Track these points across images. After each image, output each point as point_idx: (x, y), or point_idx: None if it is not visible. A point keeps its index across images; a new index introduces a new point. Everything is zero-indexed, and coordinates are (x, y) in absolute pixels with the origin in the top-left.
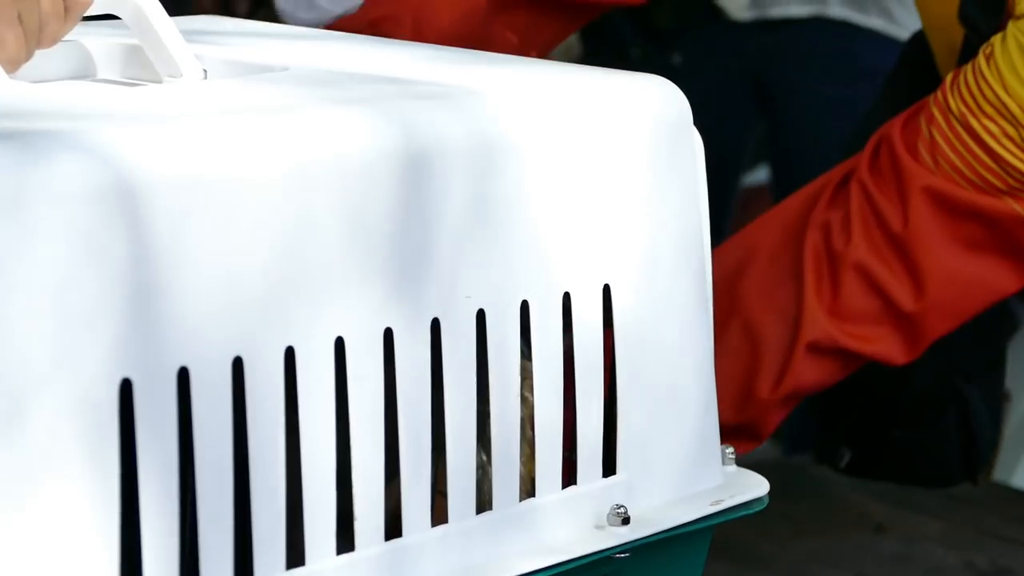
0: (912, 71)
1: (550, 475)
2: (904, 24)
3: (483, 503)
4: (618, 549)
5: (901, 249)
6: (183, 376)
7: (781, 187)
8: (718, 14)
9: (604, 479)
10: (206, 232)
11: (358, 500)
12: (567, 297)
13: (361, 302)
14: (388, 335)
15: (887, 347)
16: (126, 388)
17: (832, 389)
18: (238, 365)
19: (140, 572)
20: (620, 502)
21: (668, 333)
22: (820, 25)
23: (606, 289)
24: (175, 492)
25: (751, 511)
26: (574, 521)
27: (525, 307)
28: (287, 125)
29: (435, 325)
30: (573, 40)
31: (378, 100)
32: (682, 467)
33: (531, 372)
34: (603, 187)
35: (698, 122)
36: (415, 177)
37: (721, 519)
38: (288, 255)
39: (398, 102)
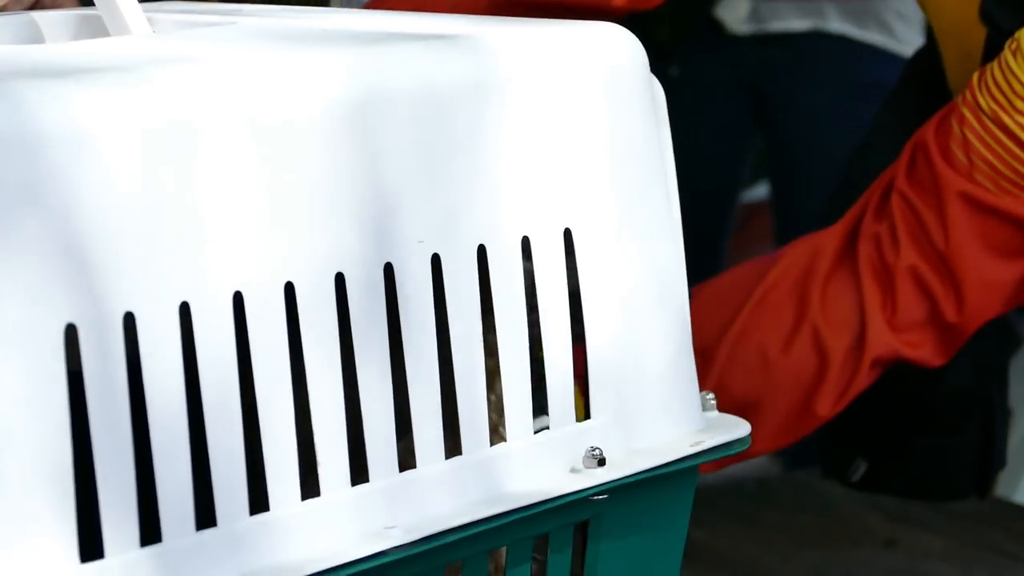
0: (916, 87)
1: (519, 421)
2: (904, 39)
3: (452, 449)
4: (594, 491)
5: (944, 263)
6: (129, 321)
7: (781, 202)
8: (717, 28)
9: (578, 423)
10: (149, 178)
11: (320, 446)
12: (526, 241)
13: (311, 247)
14: (340, 280)
15: (929, 351)
16: (71, 332)
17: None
18: (185, 310)
19: (98, 524)
20: (595, 444)
21: (636, 277)
22: (819, 40)
23: (567, 233)
24: (128, 441)
25: (732, 451)
26: (547, 465)
27: (483, 252)
28: (226, 73)
29: (388, 270)
30: None
31: (324, 48)
32: (660, 411)
33: (494, 318)
34: (560, 132)
35: (697, 136)
36: (364, 122)
37: (702, 459)
38: (235, 199)
39: (345, 49)
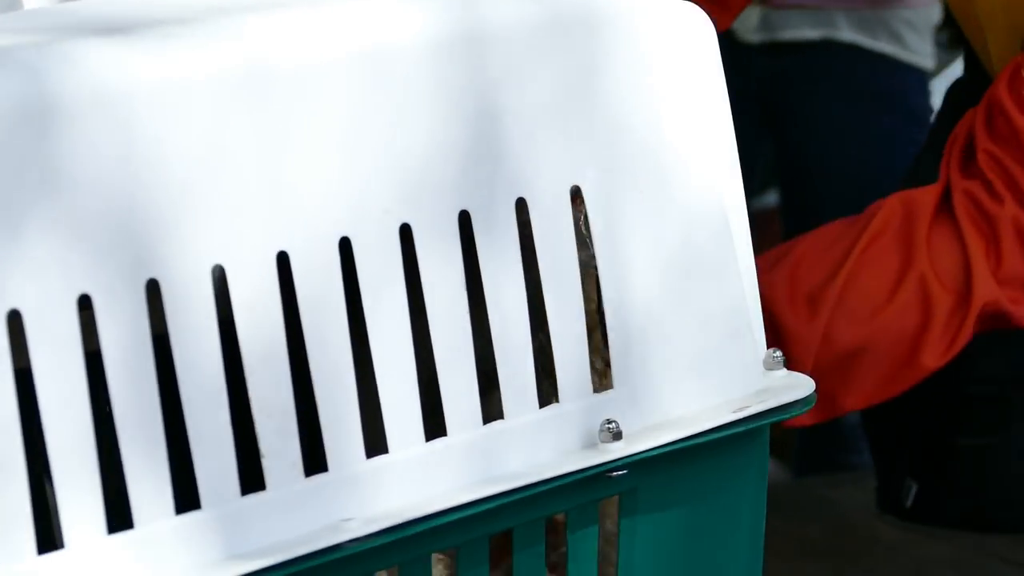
0: (957, 117)
1: (521, 396)
2: (914, 48)
3: (437, 430)
4: (608, 467)
5: None
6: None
7: (790, 211)
8: (728, 36)
9: (596, 394)
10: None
11: (262, 437)
12: (521, 203)
13: (242, 227)
14: (283, 259)
15: None
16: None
17: (889, 419)
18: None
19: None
20: (613, 417)
21: (667, 236)
22: (830, 49)
23: (575, 191)
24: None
25: (791, 414)
26: (555, 442)
27: (467, 218)
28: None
29: (344, 244)
30: None
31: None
32: (698, 377)
33: (486, 287)
34: (560, 80)
35: None
36: (280, 93)
37: (751, 424)
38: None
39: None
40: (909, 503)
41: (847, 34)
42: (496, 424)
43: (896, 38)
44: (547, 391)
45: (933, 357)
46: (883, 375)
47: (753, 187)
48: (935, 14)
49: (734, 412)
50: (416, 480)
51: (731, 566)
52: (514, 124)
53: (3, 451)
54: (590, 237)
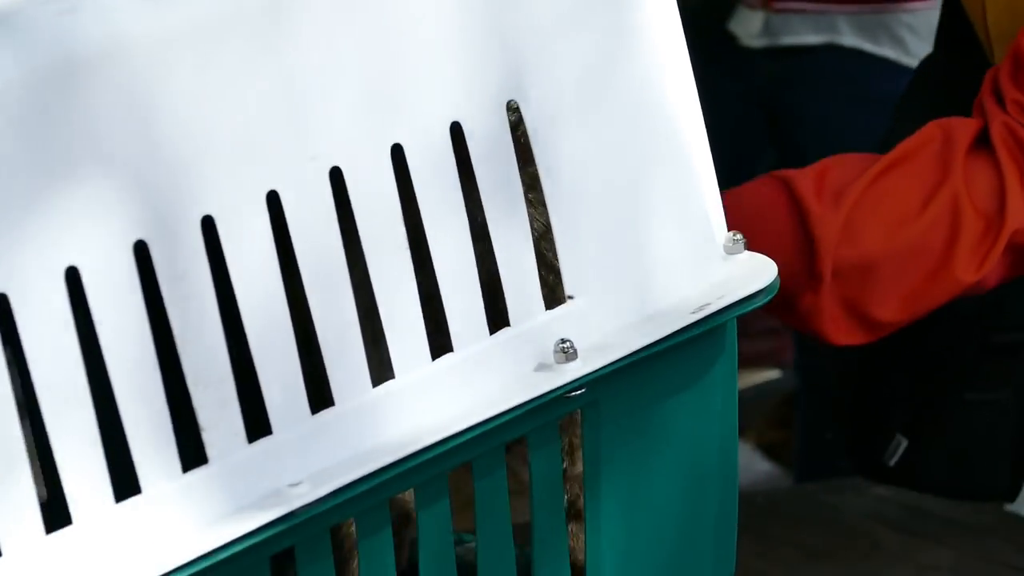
0: (927, 93)
1: (468, 326)
2: (916, 53)
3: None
4: (564, 389)
5: None
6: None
7: None
8: (730, 41)
9: (549, 312)
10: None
11: (200, 410)
12: (457, 127)
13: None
14: (208, 223)
15: None
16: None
17: (886, 371)
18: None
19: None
20: (567, 334)
21: (615, 128)
22: (832, 53)
23: (513, 106)
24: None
25: (752, 306)
26: (509, 369)
27: (399, 152)
28: None
29: (272, 198)
30: None
31: None
32: (657, 273)
33: (423, 218)
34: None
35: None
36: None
37: (707, 325)
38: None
39: None
40: (894, 461)
41: (849, 38)
42: (444, 360)
43: (898, 42)
44: (499, 315)
45: (966, 271)
46: (914, 287)
47: None
48: (936, 18)
49: (693, 312)
50: (366, 427)
51: (705, 463)
52: (442, 48)
53: (3, 431)
54: (531, 149)
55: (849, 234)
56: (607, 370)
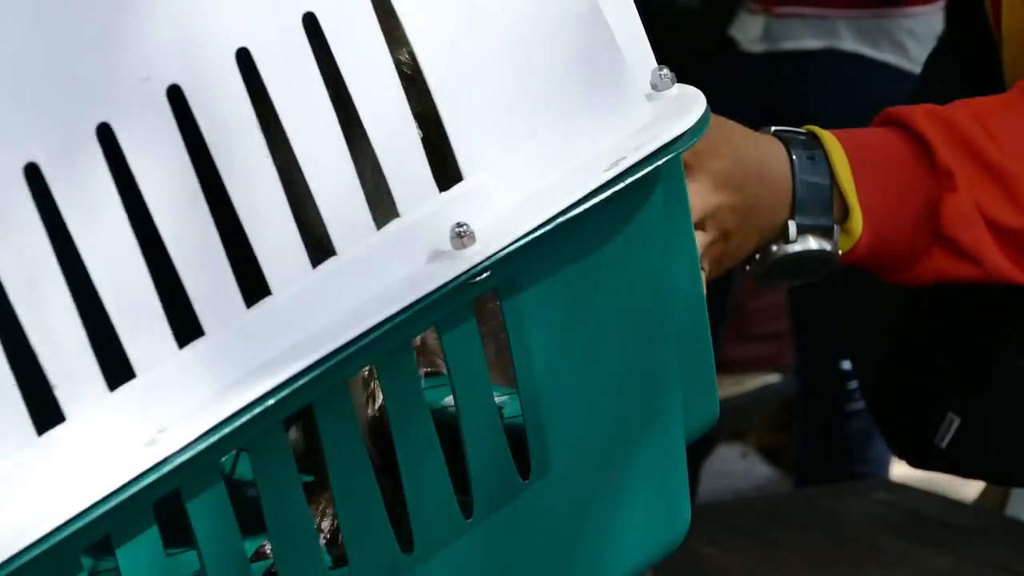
0: (937, 76)
1: (351, 225)
2: (916, 58)
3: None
4: (467, 276)
5: None
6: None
7: None
8: (731, 46)
9: (444, 194)
10: None
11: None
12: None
13: None
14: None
15: None
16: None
17: (937, 345)
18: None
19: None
20: (463, 219)
21: None
22: (832, 58)
23: None
24: None
25: (677, 151)
26: (403, 263)
27: (246, 56)
28: None
29: (103, 130)
30: None
31: None
32: (566, 133)
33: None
34: None
35: None
36: None
37: (626, 180)
38: None
39: None
40: (946, 442)
41: (849, 43)
42: (327, 264)
43: (898, 47)
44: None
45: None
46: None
47: None
48: (937, 23)
49: (606, 170)
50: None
51: (653, 314)
52: None
53: None
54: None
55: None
56: (511, 248)
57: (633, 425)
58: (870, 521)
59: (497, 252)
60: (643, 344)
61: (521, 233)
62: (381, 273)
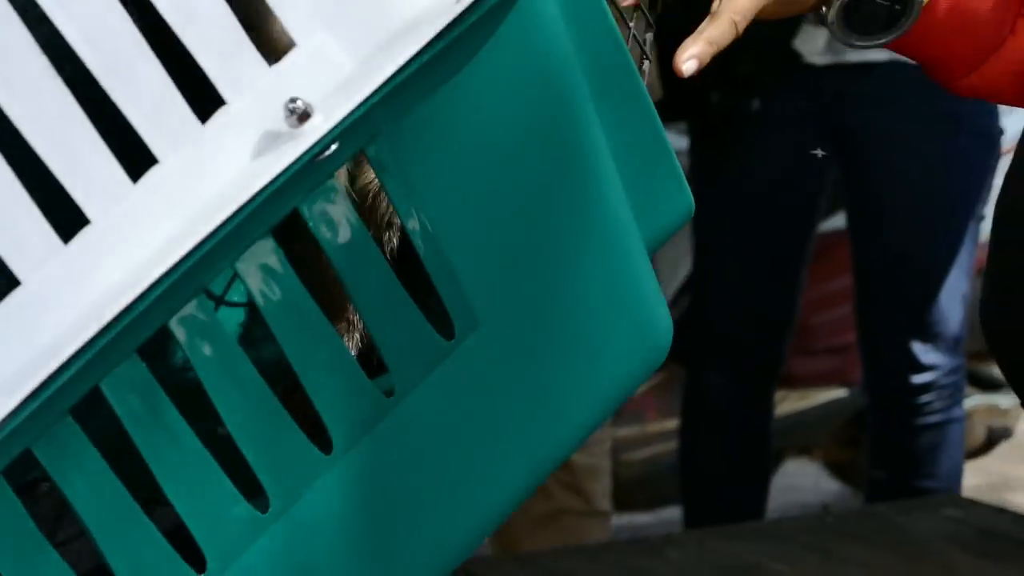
0: None
1: (164, 123)
2: None
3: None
4: (313, 151)
5: None
6: None
7: (858, 233)
8: (795, 59)
9: (276, 66)
10: None
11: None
12: None
13: None
14: None
15: None
16: None
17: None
18: None
19: None
20: (297, 93)
21: None
22: (897, 69)
23: None
24: None
25: None
26: (242, 145)
27: None
28: None
29: None
30: (655, 83)
31: None
32: None
33: None
34: None
35: (775, 166)
36: None
37: (481, 10)
38: None
39: None
40: None
41: None
42: (148, 177)
43: None
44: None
45: None
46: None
47: (821, 209)
48: None
49: (458, 2)
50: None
51: (551, 114)
52: None
53: None
54: None
55: None
56: (357, 115)
57: (563, 247)
58: (941, 538)
59: (341, 122)
60: (551, 152)
61: (364, 97)
62: (215, 172)
